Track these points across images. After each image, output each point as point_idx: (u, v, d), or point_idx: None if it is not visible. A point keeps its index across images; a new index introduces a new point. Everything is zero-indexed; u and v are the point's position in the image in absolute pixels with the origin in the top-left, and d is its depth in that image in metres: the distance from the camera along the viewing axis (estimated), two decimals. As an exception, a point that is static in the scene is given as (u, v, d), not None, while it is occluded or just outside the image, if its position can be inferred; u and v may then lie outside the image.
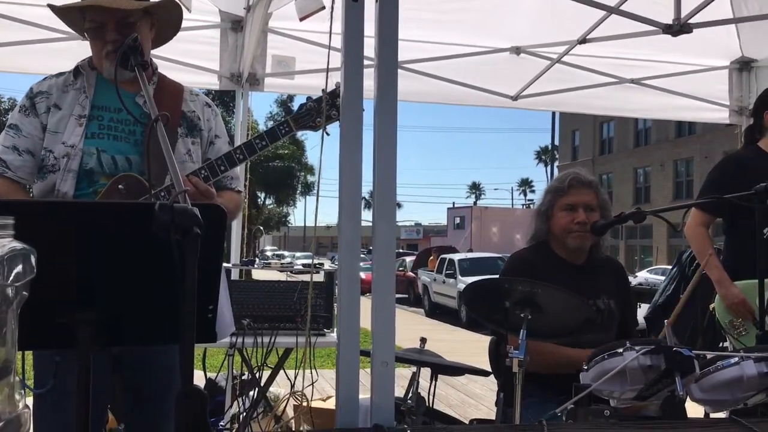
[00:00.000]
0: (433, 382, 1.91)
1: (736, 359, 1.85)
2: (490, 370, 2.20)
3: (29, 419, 0.93)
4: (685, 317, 4.22)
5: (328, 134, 2.23)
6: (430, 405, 1.90)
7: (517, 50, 4.69)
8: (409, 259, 27.01)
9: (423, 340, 2.00)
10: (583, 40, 4.10)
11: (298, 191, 43.67)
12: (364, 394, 1.44)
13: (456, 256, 21.08)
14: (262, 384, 4.10)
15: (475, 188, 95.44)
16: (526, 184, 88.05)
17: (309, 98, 2.27)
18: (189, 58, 4.44)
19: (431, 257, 24.09)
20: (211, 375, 4.78)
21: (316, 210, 2.60)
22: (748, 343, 3.23)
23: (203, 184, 2.16)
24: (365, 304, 1.38)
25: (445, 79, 4.73)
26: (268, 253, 60.99)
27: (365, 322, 1.38)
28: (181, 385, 1.31)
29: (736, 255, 3.46)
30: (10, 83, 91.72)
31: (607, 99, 5.07)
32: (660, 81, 5.01)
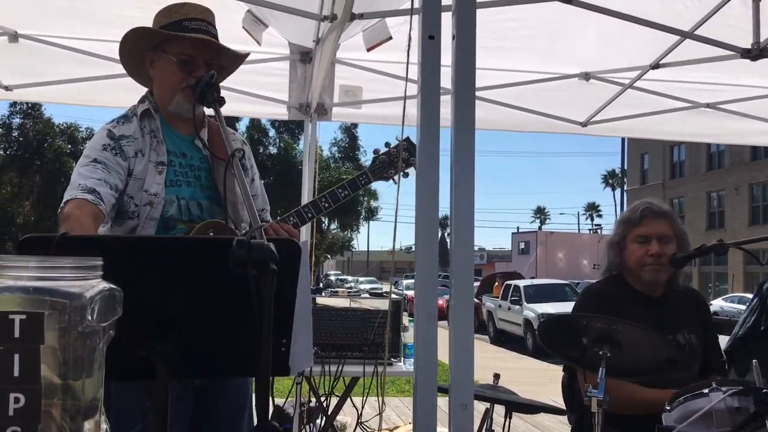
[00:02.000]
0: (508, 420, 1.87)
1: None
2: (563, 407, 2.13)
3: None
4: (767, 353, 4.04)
5: (406, 175, 2.27)
6: (504, 443, 1.86)
7: (586, 76, 4.62)
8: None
9: (497, 376, 1.96)
10: (656, 66, 4.00)
11: (361, 216, 43.98)
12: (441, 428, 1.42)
13: (521, 283, 20.77)
14: (329, 412, 4.11)
15: (540, 213, 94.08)
16: (593, 209, 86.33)
17: (387, 144, 2.32)
18: (259, 90, 4.55)
19: (496, 283, 23.81)
20: (279, 401, 4.81)
21: (394, 236, 2.61)
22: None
23: (294, 231, 2.21)
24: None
25: (514, 107, 4.69)
26: (332, 278, 61.46)
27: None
28: (258, 421, 1.32)
29: None
30: (88, 113, 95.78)
31: (679, 124, 4.93)
32: (735, 105, 4.85)
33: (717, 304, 23.94)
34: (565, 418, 2.66)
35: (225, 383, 2.09)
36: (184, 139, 2.26)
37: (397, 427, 4.47)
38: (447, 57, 1.67)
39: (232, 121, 40.93)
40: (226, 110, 4.90)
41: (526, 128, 4.86)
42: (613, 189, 76.17)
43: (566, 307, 13.11)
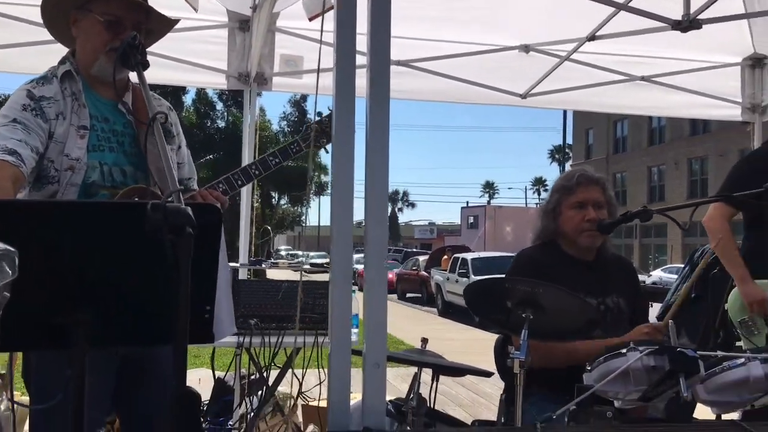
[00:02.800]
0: (435, 383, 1.89)
1: (743, 360, 1.82)
2: (492, 370, 2.18)
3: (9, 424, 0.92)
4: (698, 317, 4.17)
5: (327, 152, 2.24)
6: (432, 405, 1.88)
7: (526, 48, 4.66)
8: (422, 259, 26.97)
9: (424, 341, 1.98)
10: (591, 38, 4.06)
11: (311, 191, 43.73)
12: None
13: (469, 256, 21.05)
14: (270, 384, 4.10)
15: (489, 187, 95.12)
16: (540, 183, 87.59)
17: (319, 114, 2.29)
18: (197, 58, 4.44)
19: (444, 257, 24.05)
20: (221, 374, 4.78)
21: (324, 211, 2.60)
22: (759, 343, 3.19)
23: (223, 198, 2.17)
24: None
25: (454, 78, 4.69)
26: (283, 253, 61.16)
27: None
28: (174, 387, 1.31)
29: (753, 252, 3.40)
30: (6, 83, 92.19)
31: (618, 97, 5.01)
32: (671, 78, 4.95)
33: (656, 274, 24.69)
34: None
35: (151, 352, 2.06)
36: (106, 104, 2.19)
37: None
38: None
39: (178, 93, 40.20)
40: (163, 79, 4.81)
41: (467, 99, 4.87)
42: (560, 164, 77.42)
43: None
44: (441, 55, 4.60)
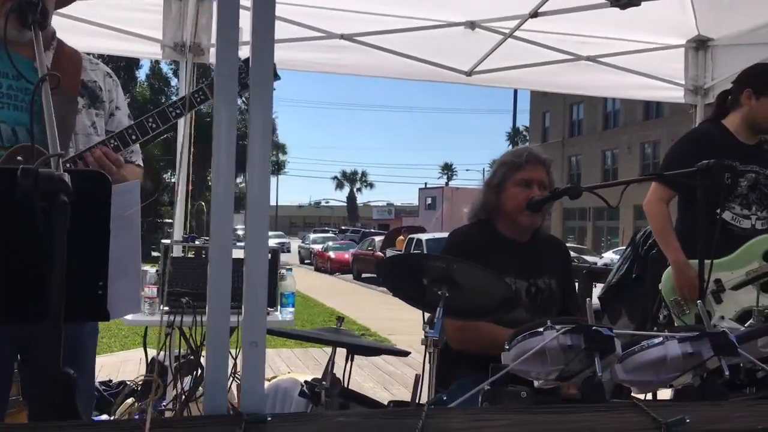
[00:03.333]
0: (349, 362, 1.83)
1: (660, 339, 1.79)
2: (410, 350, 2.12)
3: None
4: (638, 298, 4.19)
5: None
6: (347, 385, 1.82)
7: (471, 24, 4.59)
8: (378, 239, 26.99)
9: (340, 320, 1.91)
10: (534, 14, 4.01)
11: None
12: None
13: (424, 236, 21.12)
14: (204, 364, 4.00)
15: (448, 169, 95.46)
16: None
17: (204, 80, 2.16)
18: (132, 27, 4.27)
19: (400, 237, 24.08)
20: (153, 352, 4.65)
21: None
22: (689, 322, 3.21)
23: (113, 153, 2.05)
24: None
25: (398, 53, 4.61)
26: (239, 232, 60.33)
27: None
28: (48, 368, 1.21)
29: (687, 234, 3.41)
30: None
31: (563, 76, 4.99)
32: (616, 59, 4.95)
33: (608, 256, 25.13)
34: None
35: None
36: (24, 62, 2.05)
37: (274, 377, 4.40)
38: None
39: (131, 67, 39.17)
40: (99, 47, 4.58)
41: (411, 76, 4.80)
42: (517, 146, 78.09)
43: (465, 259, 13.42)
44: (385, 29, 4.51)
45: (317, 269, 29.79)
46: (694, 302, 3.31)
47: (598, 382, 1.67)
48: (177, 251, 4.14)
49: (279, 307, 3.94)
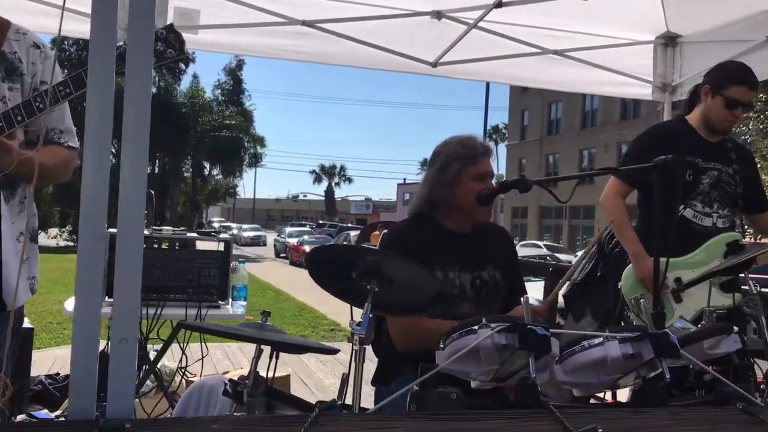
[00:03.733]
0: (274, 360, 1.72)
1: (601, 339, 1.70)
2: (339, 347, 2.02)
3: None
4: (602, 296, 4.12)
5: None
6: (271, 384, 1.71)
7: (438, 14, 4.48)
8: (354, 234, 26.86)
9: (265, 314, 1.81)
10: (498, 4, 3.91)
11: (245, 162, 42.87)
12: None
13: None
14: (151, 358, 3.88)
15: (426, 165, 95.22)
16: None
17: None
18: (87, 8, 4.09)
19: (375, 232, 23.92)
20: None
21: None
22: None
23: (5, 142, 1.92)
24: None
25: (361, 41, 4.49)
26: (216, 225, 60.05)
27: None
28: None
29: (646, 230, 3.34)
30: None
31: (529, 70, 4.90)
32: (584, 54, 4.87)
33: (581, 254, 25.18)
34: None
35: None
36: None
37: (227, 372, 4.29)
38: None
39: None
40: (52, 28, 4.40)
41: (375, 66, 4.67)
42: (497, 143, 78.30)
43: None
44: (349, 17, 4.38)
45: (292, 263, 29.61)
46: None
47: (532, 384, 1.58)
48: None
49: (230, 300, 3.82)
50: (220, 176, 46.20)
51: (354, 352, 1.59)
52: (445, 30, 4.55)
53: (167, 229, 3.85)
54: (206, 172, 42.91)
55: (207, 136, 38.41)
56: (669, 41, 4.94)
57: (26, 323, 3.80)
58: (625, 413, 1.12)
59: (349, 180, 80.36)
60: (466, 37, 4.51)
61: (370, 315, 1.60)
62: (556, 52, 4.83)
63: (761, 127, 17.22)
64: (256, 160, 45.40)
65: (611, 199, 3.33)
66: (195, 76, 52.87)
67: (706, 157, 3.24)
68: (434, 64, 4.69)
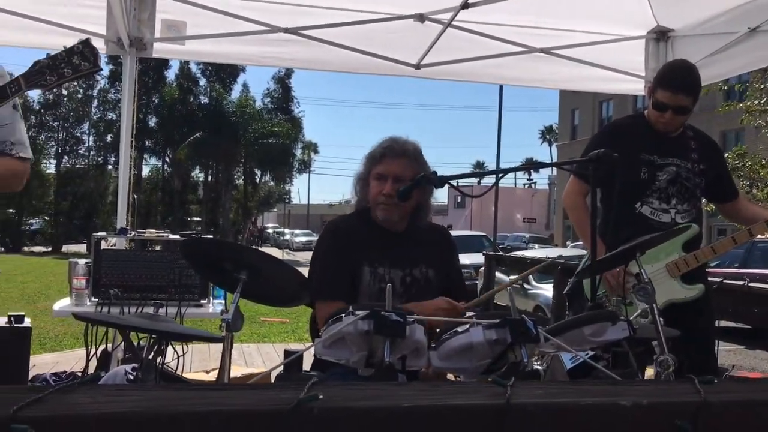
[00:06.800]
0: (164, 348, 1.84)
1: (466, 327, 1.77)
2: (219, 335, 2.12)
3: None
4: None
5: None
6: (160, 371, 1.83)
7: (420, 17, 4.55)
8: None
9: (157, 305, 1.92)
10: (465, 5, 3.95)
11: (294, 169, 43.56)
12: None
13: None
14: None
15: (479, 167, 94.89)
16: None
17: (47, 55, 2.16)
18: (74, 22, 4.33)
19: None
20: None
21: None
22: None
23: None
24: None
25: (344, 46, 4.60)
26: (270, 231, 61.02)
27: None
28: None
29: (607, 228, 3.35)
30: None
31: (516, 69, 4.93)
32: (572, 51, 4.87)
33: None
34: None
35: None
36: None
37: (213, 369, 4.45)
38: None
39: (161, 68, 39.79)
40: (39, 43, 4.64)
41: (358, 70, 4.77)
42: (550, 144, 77.29)
43: (481, 257, 13.19)
44: (329, 23, 4.49)
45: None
46: (615, 293, 3.25)
47: (389, 367, 1.66)
48: (121, 244, 4.20)
49: (210, 299, 3.95)
50: (272, 183, 47.06)
51: (225, 338, 1.69)
52: (429, 33, 4.62)
53: (151, 231, 4.03)
54: (257, 179, 43.76)
55: (257, 144, 39.19)
56: (661, 36, 4.90)
57: (27, 323, 4.03)
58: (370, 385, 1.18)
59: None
60: (451, 39, 4.57)
61: (236, 303, 1.70)
62: (542, 50, 4.84)
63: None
64: (305, 166, 46.01)
65: (570, 198, 3.35)
66: (245, 86, 53.91)
67: (663, 154, 3.23)
68: (417, 66, 4.76)
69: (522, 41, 4.76)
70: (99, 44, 4.38)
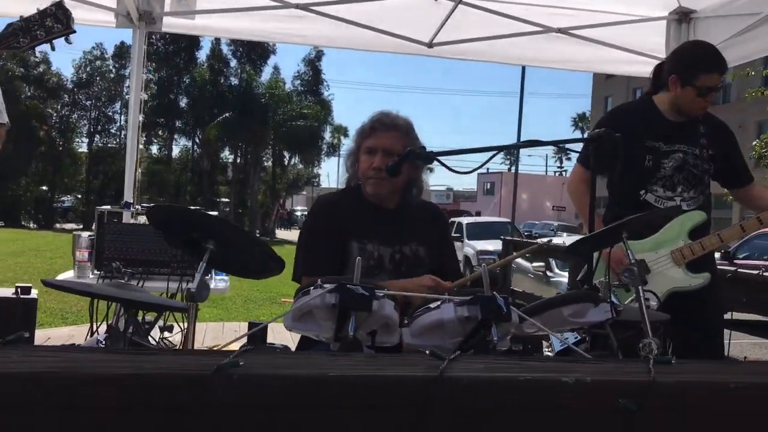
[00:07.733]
0: (132, 318, 1.83)
1: (438, 303, 1.72)
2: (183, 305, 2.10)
3: None
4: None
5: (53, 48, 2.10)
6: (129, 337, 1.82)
7: (435, -5, 4.47)
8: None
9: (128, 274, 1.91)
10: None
11: (323, 152, 43.50)
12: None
13: (465, 220, 20.96)
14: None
15: (510, 154, 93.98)
16: (561, 151, 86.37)
17: (21, 17, 2.13)
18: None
19: (450, 219, 24.01)
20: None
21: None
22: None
23: None
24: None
25: (355, 23, 4.53)
26: (298, 213, 61.35)
27: None
28: None
29: (612, 217, 3.26)
30: None
31: (531, 49, 4.82)
32: (590, 31, 4.75)
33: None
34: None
35: None
36: None
37: (216, 346, 4.45)
38: None
39: (192, 48, 40.03)
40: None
41: (369, 47, 4.71)
42: (582, 132, 76.31)
43: (504, 244, 13.16)
44: (342, -1, 4.44)
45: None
46: (619, 277, 3.17)
47: (354, 340, 1.63)
48: (126, 218, 4.22)
49: (212, 274, 3.94)
50: (301, 166, 47.11)
51: (189, 307, 1.67)
52: (442, 11, 4.54)
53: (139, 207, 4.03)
54: (286, 161, 43.85)
55: (286, 126, 39.23)
56: (683, 17, 4.75)
57: (33, 294, 4.07)
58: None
59: (430, 169, 79.98)
60: (464, 17, 4.49)
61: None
62: (560, 30, 4.72)
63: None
64: (334, 150, 45.97)
65: (573, 184, 3.27)
66: (275, 68, 53.97)
67: (669, 140, 3.13)
68: (430, 45, 4.68)
69: (539, 20, 4.65)
70: (109, 17, 4.41)
